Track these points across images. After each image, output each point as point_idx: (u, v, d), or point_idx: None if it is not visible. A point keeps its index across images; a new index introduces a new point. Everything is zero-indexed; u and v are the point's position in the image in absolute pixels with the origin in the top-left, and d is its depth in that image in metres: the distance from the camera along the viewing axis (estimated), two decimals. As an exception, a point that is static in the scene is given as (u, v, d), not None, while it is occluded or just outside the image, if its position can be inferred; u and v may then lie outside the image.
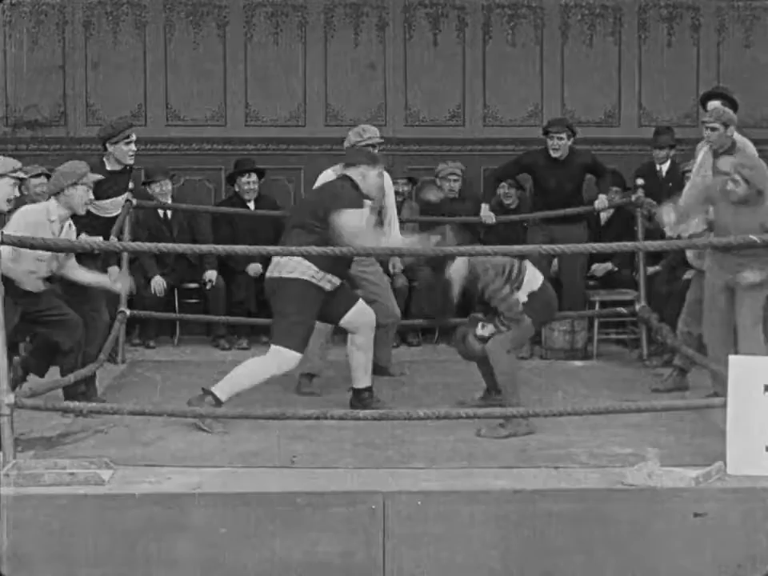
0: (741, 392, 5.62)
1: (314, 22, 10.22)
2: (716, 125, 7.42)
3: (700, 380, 7.37)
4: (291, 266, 6.60)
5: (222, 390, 6.59)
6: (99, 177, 7.04)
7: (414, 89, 10.30)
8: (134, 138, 7.47)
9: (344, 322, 6.94)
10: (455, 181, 9.59)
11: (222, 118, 10.22)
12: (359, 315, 6.94)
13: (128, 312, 8.49)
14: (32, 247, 6.17)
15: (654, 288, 8.64)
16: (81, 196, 6.82)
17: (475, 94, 10.32)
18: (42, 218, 6.75)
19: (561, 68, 10.32)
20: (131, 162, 7.46)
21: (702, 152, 7.67)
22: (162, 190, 9.25)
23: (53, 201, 6.84)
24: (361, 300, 7.02)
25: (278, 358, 6.60)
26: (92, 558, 5.29)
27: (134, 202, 8.67)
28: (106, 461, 5.65)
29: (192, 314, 9.24)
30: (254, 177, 9.44)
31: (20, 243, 5.97)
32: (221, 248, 7.00)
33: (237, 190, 9.52)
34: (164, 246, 6.54)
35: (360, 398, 7.00)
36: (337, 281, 6.73)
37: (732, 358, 5.76)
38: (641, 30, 10.38)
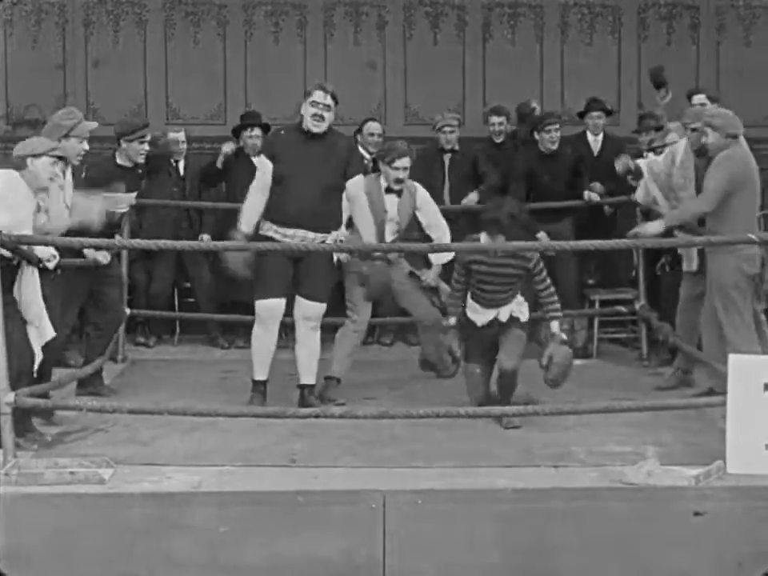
0: (741, 391, 5.62)
1: (313, 21, 10.24)
2: (697, 125, 7.34)
3: (701, 378, 7.37)
4: None
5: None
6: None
7: (413, 88, 10.31)
8: (148, 137, 7.58)
9: (299, 303, 6.90)
10: (451, 132, 9.19)
11: (221, 116, 10.23)
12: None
13: (128, 311, 8.49)
14: (30, 244, 6.16)
15: (658, 283, 8.55)
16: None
17: (475, 92, 10.33)
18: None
19: (560, 67, 10.33)
20: (141, 161, 7.57)
21: (682, 151, 7.51)
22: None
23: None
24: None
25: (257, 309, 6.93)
26: (92, 558, 5.28)
27: (134, 201, 8.65)
28: (107, 460, 5.64)
29: (192, 313, 9.23)
30: (257, 131, 9.17)
31: (19, 242, 5.95)
32: (220, 245, 6.99)
33: (241, 144, 9.26)
34: (163, 243, 6.52)
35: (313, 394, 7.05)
36: (286, 230, 6.76)
37: (732, 357, 5.75)
38: (640, 29, 10.40)
